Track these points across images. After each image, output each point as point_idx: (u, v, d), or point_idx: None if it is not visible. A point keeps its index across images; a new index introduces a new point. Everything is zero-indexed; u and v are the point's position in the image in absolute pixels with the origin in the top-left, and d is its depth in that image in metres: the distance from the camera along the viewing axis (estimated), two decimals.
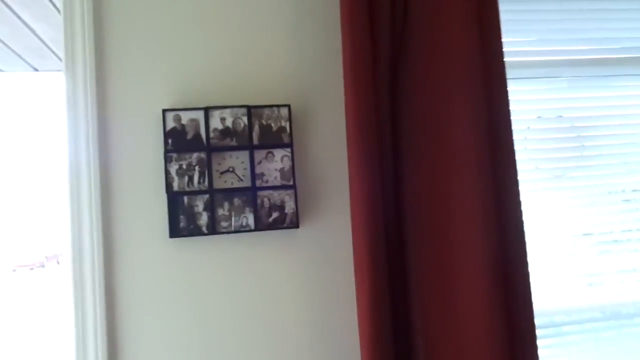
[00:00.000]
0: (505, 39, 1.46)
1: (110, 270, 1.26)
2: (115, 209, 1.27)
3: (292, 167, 1.29)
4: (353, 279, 1.31)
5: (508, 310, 1.21)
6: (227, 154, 1.28)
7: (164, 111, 1.26)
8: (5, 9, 2.06)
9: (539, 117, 1.55)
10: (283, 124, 1.30)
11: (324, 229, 1.32)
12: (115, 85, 1.28)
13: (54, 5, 2.08)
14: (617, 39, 1.58)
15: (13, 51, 2.35)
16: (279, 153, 1.29)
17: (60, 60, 2.52)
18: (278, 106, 1.30)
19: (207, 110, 1.28)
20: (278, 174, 1.29)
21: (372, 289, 1.16)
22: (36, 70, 2.51)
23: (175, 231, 1.24)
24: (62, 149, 1.30)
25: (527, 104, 1.54)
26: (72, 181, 1.27)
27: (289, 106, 1.29)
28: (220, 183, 1.27)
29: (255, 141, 1.29)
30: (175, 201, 1.25)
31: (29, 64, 2.50)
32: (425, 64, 1.26)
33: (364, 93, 1.19)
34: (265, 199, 1.28)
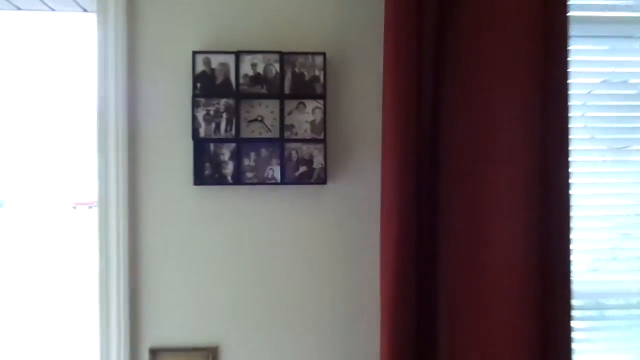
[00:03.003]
0: None
1: (134, 214, 1.26)
2: (142, 154, 1.26)
3: (324, 120, 1.25)
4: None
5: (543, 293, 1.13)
6: (257, 102, 1.24)
7: (194, 53, 1.23)
8: None
9: (604, 81, 1.40)
10: (317, 73, 1.24)
11: (353, 187, 1.29)
12: (147, 24, 1.26)
13: None
14: None
15: None
16: (310, 104, 1.24)
17: (77, 3, 2.46)
18: (312, 54, 1.24)
19: (238, 55, 1.23)
20: (308, 127, 1.24)
21: (398, 249, 1.11)
22: (53, 10, 2.43)
23: (200, 179, 1.23)
24: (90, 90, 1.27)
25: (591, 65, 1.39)
26: (100, 124, 1.25)
27: (324, 54, 1.24)
28: (247, 132, 1.24)
29: (287, 90, 1.24)
30: (202, 148, 1.23)
31: (46, 4, 2.43)
32: (475, 13, 1.15)
33: (406, 43, 1.11)
34: (293, 152, 1.24)
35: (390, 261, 1.11)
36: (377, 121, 1.25)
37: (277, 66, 1.24)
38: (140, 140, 1.26)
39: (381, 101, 1.18)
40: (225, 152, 1.23)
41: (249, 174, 1.23)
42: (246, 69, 1.23)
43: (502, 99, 1.12)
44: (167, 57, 1.26)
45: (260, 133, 1.24)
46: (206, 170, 1.23)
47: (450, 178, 1.16)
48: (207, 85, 1.23)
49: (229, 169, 1.23)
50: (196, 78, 1.23)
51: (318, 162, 1.24)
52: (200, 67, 1.23)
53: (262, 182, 1.24)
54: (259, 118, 1.24)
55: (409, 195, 1.11)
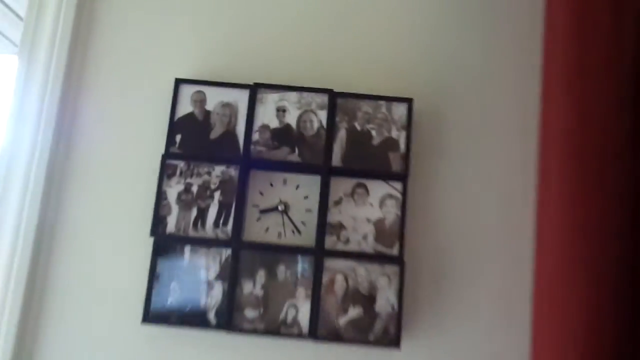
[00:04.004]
0: None
1: None
2: (56, 256, 0.79)
3: (403, 220, 0.79)
4: None
5: None
6: (280, 176, 0.83)
7: (178, 82, 0.83)
8: None
9: None
10: (395, 134, 0.82)
11: (452, 353, 0.76)
12: (99, 42, 0.85)
13: None
14: None
15: None
16: (379, 189, 0.81)
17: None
18: (388, 99, 0.83)
19: (254, 90, 0.83)
20: (371, 230, 0.80)
21: None
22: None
23: (154, 313, 0.76)
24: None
25: None
26: None
27: (409, 102, 0.83)
28: (257, 231, 0.80)
29: (337, 160, 0.82)
30: (168, 253, 0.78)
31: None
32: None
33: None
34: (340, 277, 0.78)
35: None
36: (504, 220, 0.79)
37: (322, 115, 0.81)
38: (58, 232, 0.81)
39: (507, 180, 0.79)
40: (212, 266, 0.77)
41: (251, 313, 0.76)
42: (267, 115, 0.82)
43: None
44: (126, 90, 0.85)
45: (281, 235, 0.80)
46: (170, 298, 0.77)
47: None
48: (193, 138, 0.81)
49: (215, 297, 0.77)
50: (176, 125, 0.81)
51: (387, 301, 0.75)
52: (185, 107, 0.82)
53: (275, 331, 0.77)
54: (281, 207, 0.80)
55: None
